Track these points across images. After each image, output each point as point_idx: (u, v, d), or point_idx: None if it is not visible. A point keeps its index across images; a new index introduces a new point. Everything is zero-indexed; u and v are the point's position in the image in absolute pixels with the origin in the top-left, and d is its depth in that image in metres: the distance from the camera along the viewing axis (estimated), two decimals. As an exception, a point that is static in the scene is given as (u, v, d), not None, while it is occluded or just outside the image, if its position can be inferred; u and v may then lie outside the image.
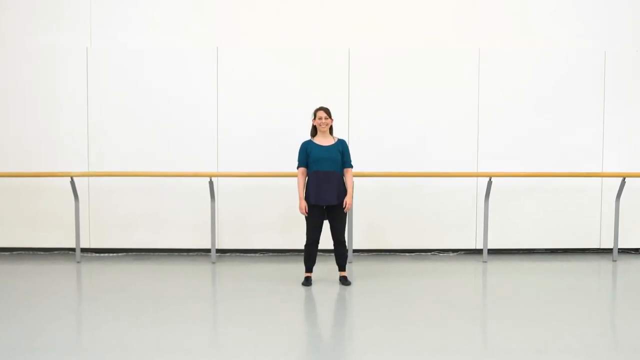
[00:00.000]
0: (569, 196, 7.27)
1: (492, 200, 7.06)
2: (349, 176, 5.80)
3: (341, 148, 5.75)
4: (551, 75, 7.21)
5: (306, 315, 5.12)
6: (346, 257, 5.87)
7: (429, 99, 7.17)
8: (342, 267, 5.89)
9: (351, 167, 5.83)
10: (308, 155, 5.72)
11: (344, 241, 5.80)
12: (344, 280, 5.82)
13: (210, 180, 6.80)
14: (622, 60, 7.24)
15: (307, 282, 5.82)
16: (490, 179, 6.90)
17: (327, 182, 5.63)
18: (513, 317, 4.88)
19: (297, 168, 5.79)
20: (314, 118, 5.79)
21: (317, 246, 5.77)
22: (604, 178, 7.22)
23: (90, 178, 7.10)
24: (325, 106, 5.85)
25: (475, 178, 7.18)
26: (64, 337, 4.42)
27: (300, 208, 5.69)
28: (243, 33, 7.27)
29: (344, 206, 5.69)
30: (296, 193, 6.96)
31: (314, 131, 5.85)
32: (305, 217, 5.73)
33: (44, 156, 7.11)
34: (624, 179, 6.93)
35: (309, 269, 5.85)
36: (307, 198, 5.70)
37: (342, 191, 5.70)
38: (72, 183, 6.81)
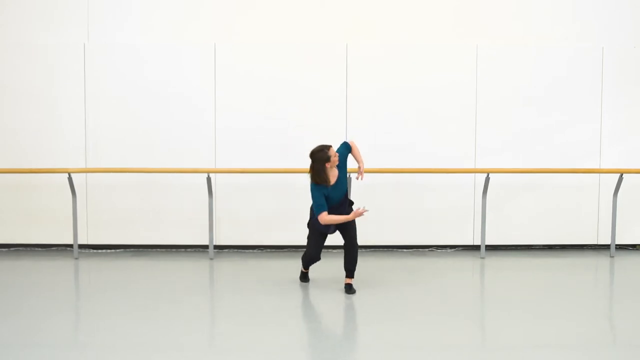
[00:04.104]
0: (566, 192, 7.28)
1: (489, 197, 7.06)
2: (355, 150, 5.46)
3: (339, 162, 5.29)
4: (549, 72, 7.21)
5: (304, 311, 5.12)
6: (356, 262, 5.44)
7: (427, 95, 7.16)
8: (350, 274, 5.46)
9: (348, 142, 5.47)
10: (327, 196, 5.23)
11: (357, 244, 5.43)
12: (349, 289, 5.43)
13: (208, 176, 6.80)
14: (620, 56, 7.24)
15: (305, 278, 5.80)
16: (488, 175, 6.91)
17: (341, 209, 5.34)
18: (511, 313, 4.89)
19: (319, 214, 5.15)
20: (328, 160, 5.14)
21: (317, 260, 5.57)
22: (601, 174, 7.23)
23: (88, 174, 7.09)
24: (325, 145, 5.26)
25: (473, 174, 7.19)
26: (62, 333, 4.42)
27: (357, 214, 5.11)
28: (240, 29, 7.25)
29: (357, 177, 5.37)
30: (295, 189, 7.00)
31: (320, 173, 5.17)
32: (309, 236, 5.47)
33: (41, 152, 7.09)
34: (622, 175, 6.94)
35: (306, 267, 5.77)
36: (315, 224, 5.33)
37: (350, 208, 5.43)
38: (70, 179, 6.80)
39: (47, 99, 7.09)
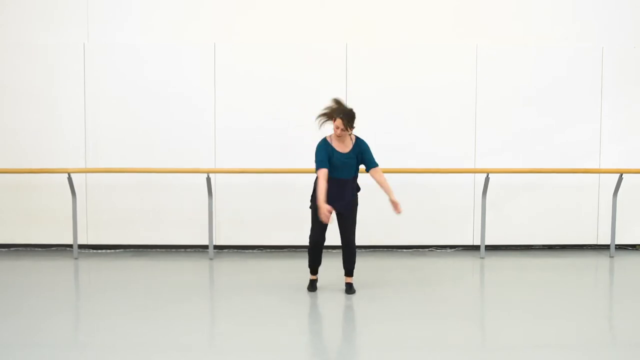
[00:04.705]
0: (566, 192, 7.27)
1: (489, 197, 7.06)
2: (379, 176, 5.33)
3: (358, 151, 5.31)
4: (549, 72, 7.21)
5: (305, 311, 5.12)
6: (354, 261, 5.44)
7: (427, 95, 7.16)
8: (349, 272, 5.46)
9: (377, 165, 5.36)
10: (329, 158, 5.20)
11: (354, 241, 5.40)
12: (349, 288, 5.42)
13: (208, 176, 6.80)
14: (620, 56, 7.24)
15: (313, 287, 5.54)
16: (487, 175, 6.91)
17: (343, 190, 5.30)
18: (511, 313, 4.89)
19: (318, 169, 5.12)
20: (332, 119, 5.19)
21: (322, 247, 5.44)
22: (601, 174, 7.23)
23: (88, 174, 7.09)
24: (345, 110, 5.18)
25: (473, 174, 7.19)
26: (62, 334, 4.42)
27: (323, 214, 5.00)
28: (240, 29, 7.24)
29: (395, 207, 5.25)
30: (295, 189, 6.97)
31: (324, 110, 5.25)
32: (312, 218, 5.37)
33: (41, 152, 7.08)
34: (622, 175, 6.94)
35: (314, 271, 5.54)
36: (318, 201, 5.21)
37: (355, 198, 5.41)
38: (70, 179, 6.79)
39: (47, 99, 7.08)
